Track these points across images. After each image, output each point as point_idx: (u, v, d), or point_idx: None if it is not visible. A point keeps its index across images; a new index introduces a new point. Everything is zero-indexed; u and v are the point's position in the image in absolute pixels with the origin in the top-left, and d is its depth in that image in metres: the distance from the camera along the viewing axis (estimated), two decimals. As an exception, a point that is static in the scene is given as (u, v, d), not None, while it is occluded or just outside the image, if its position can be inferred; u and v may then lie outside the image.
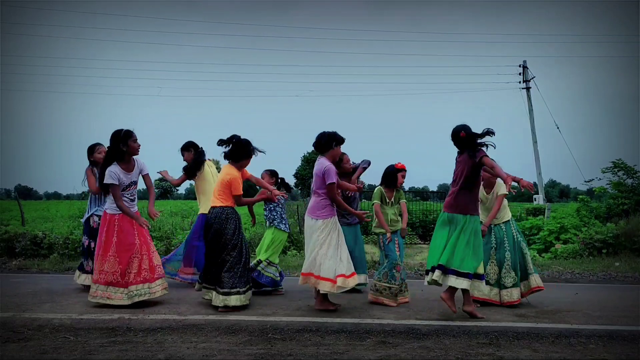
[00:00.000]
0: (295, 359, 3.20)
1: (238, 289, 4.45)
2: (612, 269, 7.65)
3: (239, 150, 4.65)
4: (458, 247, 4.19)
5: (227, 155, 4.70)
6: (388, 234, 4.91)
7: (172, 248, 8.24)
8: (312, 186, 4.66)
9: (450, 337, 3.75)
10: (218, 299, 4.44)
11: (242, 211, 5.11)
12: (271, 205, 5.44)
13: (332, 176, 4.43)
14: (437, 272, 4.19)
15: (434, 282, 4.26)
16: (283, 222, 5.48)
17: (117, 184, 4.55)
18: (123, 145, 4.58)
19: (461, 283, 4.14)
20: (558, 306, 4.87)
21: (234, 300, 4.41)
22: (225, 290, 4.42)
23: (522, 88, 16.85)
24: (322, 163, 4.52)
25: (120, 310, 4.40)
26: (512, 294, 4.79)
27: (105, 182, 4.54)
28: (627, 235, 8.80)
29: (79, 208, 13.86)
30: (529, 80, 16.74)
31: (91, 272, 5.48)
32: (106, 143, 5.56)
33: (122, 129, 4.63)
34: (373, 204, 5.03)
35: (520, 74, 16.97)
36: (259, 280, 5.24)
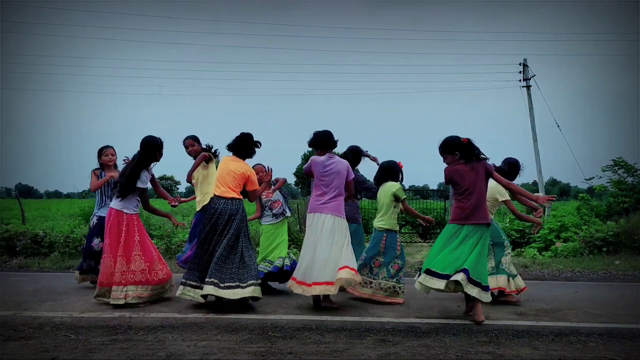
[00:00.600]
0: (295, 357, 3.20)
1: (254, 281, 4.39)
2: (612, 267, 7.65)
3: (250, 145, 4.67)
4: (482, 258, 4.07)
5: (236, 151, 4.67)
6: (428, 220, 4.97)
7: (173, 247, 8.26)
8: (321, 185, 4.46)
9: (450, 335, 3.75)
10: (239, 292, 4.28)
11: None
12: (286, 197, 5.46)
13: (352, 172, 4.56)
14: (461, 275, 3.94)
15: (456, 285, 4.00)
16: None
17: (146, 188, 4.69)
18: (159, 154, 4.72)
19: (485, 297, 4.03)
20: (558, 304, 4.88)
21: (257, 290, 4.37)
22: (249, 282, 4.35)
23: (523, 86, 16.81)
24: (342, 161, 4.53)
25: (121, 308, 4.40)
26: (521, 281, 4.95)
27: (141, 186, 4.60)
28: (627, 233, 8.79)
29: (80, 207, 13.87)
30: (530, 79, 16.70)
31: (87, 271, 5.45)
32: (107, 142, 5.63)
33: (156, 137, 4.71)
34: (403, 200, 4.88)
35: (520, 72, 16.94)
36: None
